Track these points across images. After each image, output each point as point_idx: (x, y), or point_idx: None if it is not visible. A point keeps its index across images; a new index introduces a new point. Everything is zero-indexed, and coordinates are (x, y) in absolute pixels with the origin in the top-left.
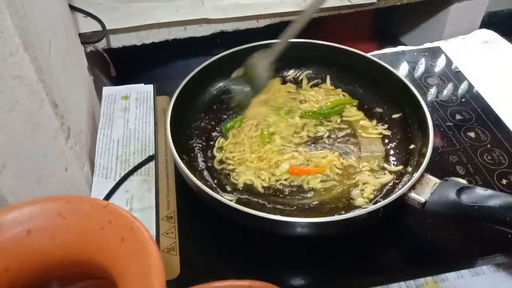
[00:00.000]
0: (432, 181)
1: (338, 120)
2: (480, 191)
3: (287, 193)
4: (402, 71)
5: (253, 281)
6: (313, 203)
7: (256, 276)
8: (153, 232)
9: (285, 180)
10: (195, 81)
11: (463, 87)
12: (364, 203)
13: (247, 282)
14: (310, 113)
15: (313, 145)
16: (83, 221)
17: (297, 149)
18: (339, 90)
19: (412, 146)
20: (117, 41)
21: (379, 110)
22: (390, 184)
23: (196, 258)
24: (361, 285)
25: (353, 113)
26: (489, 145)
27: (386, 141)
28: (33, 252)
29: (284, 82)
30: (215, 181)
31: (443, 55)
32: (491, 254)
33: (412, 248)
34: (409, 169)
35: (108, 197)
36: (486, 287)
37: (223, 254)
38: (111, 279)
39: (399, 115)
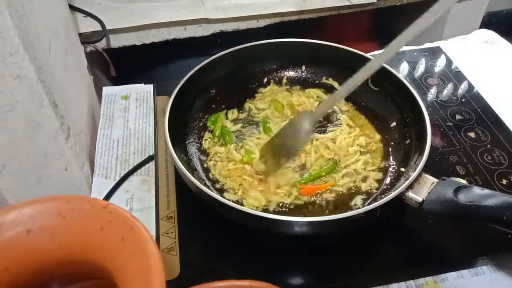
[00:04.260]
0: (430, 180)
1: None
2: (477, 191)
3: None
4: (402, 71)
5: (253, 281)
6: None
7: (256, 276)
8: (153, 232)
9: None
10: (194, 80)
11: (463, 87)
12: (369, 187)
13: (247, 282)
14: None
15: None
16: (83, 221)
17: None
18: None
19: (410, 145)
20: (117, 41)
21: (378, 109)
22: (388, 183)
23: (196, 258)
24: (361, 285)
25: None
26: (489, 145)
27: (385, 140)
28: (33, 252)
29: (280, 81)
30: (214, 180)
31: (443, 55)
32: (491, 254)
33: (412, 248)
34: (407, 168)
35: (108, 197)
36: (486, 287)
37: (223, 254)
38: (111, 279)
39: (398, 114)
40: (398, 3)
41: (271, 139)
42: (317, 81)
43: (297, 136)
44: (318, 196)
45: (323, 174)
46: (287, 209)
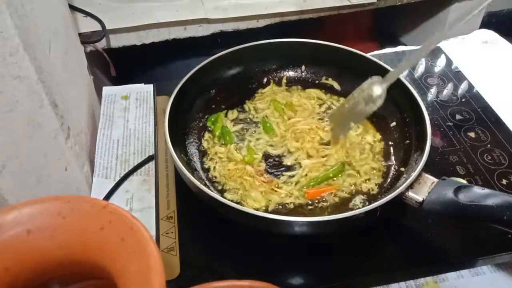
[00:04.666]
0: (430, 180)
1: None
2: (478, 190)
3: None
4: None
5: (253, 281)
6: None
7: (256, 276)
8: (153, 232)
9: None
10: (194, 80)
11: (463, 87)
12: (369, 187)
13: (247, 282)
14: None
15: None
16: (83, 221)
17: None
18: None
19: (410, 145)
20: (117, 41)
21: (378, 109)
22: (388, 183)
23: (196, 258)
24: (361, 285)
25: None
26: (489, 145)
27: (385, 140)
28: (33, 252)
29: (280, 81)
30: (214, 180)
31: (443, 55)
32: (491, 254)
33: (412, 248)
34: (407, 168)
35: (108, 197)
36: (486, 287)
37: (223, 254)
38: (111, 279)
39: (398, 114)
40: (398, 3)
41: (342, 105)
42: (317, 81)
43: (368, 101)
44: (319, 196)
45: (331, 175)
46: (287, 209)
